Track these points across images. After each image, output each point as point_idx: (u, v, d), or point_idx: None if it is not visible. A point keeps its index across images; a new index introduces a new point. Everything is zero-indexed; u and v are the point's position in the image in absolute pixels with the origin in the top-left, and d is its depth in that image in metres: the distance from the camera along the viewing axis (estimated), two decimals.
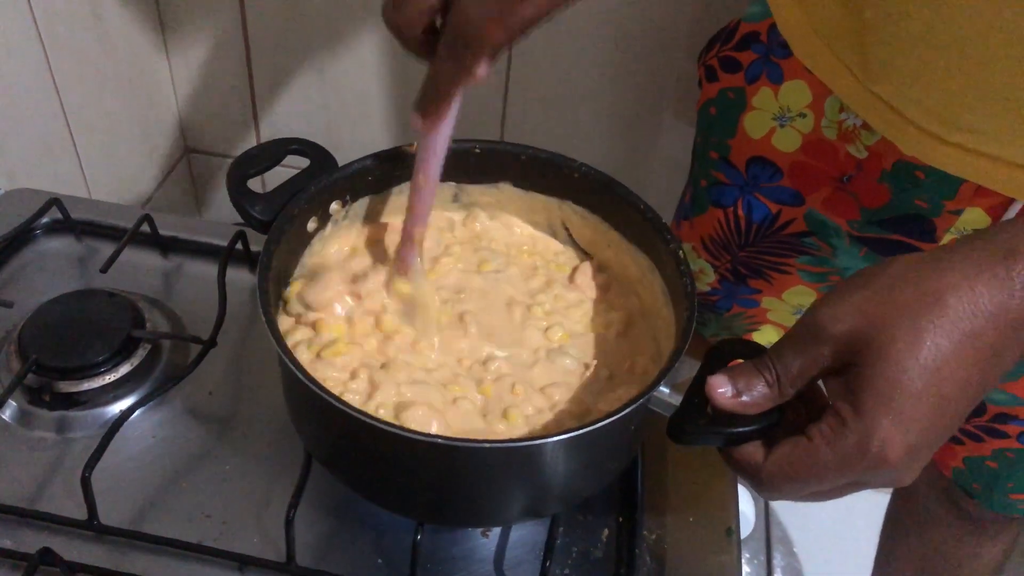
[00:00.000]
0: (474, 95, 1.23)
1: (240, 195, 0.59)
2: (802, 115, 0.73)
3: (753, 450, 0.48)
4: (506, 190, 0.68)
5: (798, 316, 0.93)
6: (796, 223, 0.80)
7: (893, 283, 0.45)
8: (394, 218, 0.67)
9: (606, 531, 0.61)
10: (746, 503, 1.32)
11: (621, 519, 0.62)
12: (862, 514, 1.20)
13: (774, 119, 0.75)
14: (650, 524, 0.62)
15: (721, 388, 0.48)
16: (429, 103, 0.54)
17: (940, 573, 1.04)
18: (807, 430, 0.46)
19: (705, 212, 0.86)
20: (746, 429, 0.49)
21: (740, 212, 0.82)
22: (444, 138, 0.57)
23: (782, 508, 1.49)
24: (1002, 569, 1.01)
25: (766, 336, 0.97)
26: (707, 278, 0.91)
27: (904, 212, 0.71)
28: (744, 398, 0.48)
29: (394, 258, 0.63)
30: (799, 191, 0.77)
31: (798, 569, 1.43)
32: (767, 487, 0.47)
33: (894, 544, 1.12)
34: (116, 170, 1.20)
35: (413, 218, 0.61)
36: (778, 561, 1.43)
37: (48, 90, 1.02)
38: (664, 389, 0.51)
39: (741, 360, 0.52)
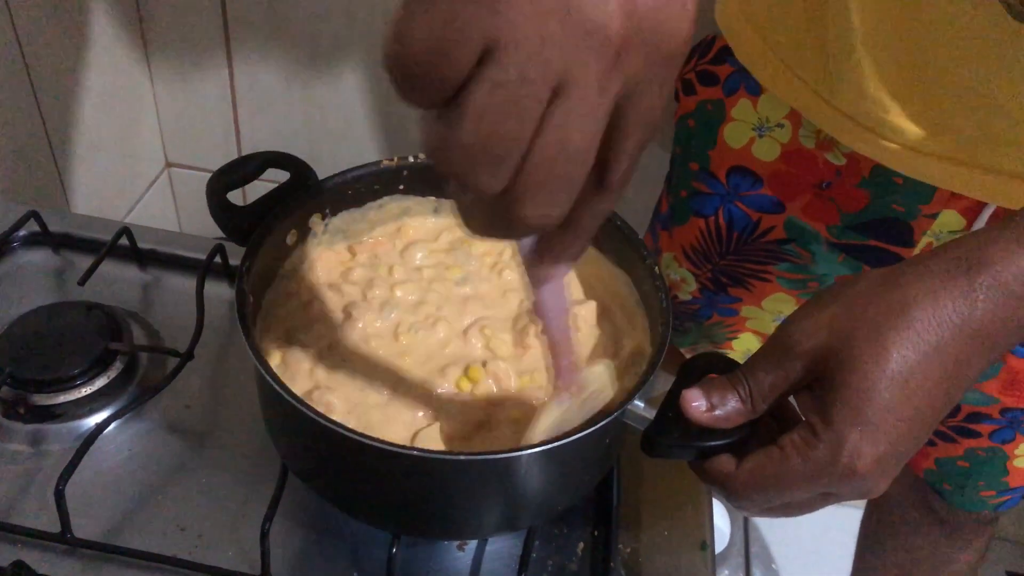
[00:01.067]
0: None
1: (220, 207, 0.59)
2: (780, 125, 0.75)
3: (725, 460, 0.49)
4: None
5: (778, 323, 0.95)
6: (776, 230, 0.81)
7: (860, 297, 0.46)
8: (375, 234, 0.67)
9: (581, 544, 0.62)
10: (721, 518, 1.33)
11: (596, 532, 0.62)
12: (840, 528, 1.21)
13: (753, 129, 0.77)
14: (625, 538, 0.62)
15: (695, 402, 0.49)
16: (565, 240, 0.39)
17: None
18: (779, 441, 0.47)
19: (686, 222, 0.87)
20: (718, 443, 0.49)
21: (721, 221, 0.83)
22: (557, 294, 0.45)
23: (762, 524, 1.49)
24: (975, 575, 1.02)
25: (745, 344, 0.98)
26: (689, 287, 0.92)
27: (882, 216, 0.72)
28: (717, 412, 0.49)
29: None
30: (779, 198, 0.79)
31: None
32: (738, 496, 0.48)
33: (870, 554, 1.13)
34: (96, 183, 1.20)
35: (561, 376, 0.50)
36: None
37: (28, 102, 1.02)
38: (638, 403, 0.52)
39: (714, 374, 0.53)
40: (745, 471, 0.47)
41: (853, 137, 0.68)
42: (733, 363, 0.53)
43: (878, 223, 0.73)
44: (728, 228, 0.83)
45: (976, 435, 0.81)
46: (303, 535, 0.61)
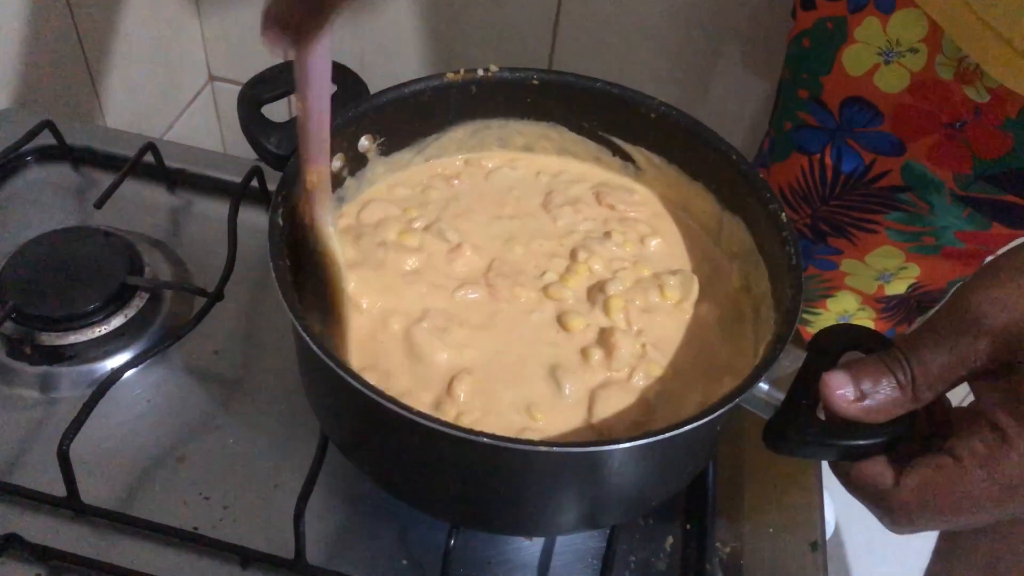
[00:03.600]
0: (520, 24, 1.13)
1: (253, 123, 0.49)
2: (913, 50, 0.64)
3: (880, 470, 0.39)
4: (562, 130, 0.57)
5: (881, 282, 0.83)
6: (891, 176, 0.71)
7: None
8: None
9: (670, 539, 0.52)
10: (827, 508, 1.23)
11: (689, 526, 0.53)
12: None
13: (879, 54, 0.66)
14: (723, 534, 0.52)
15: (840, 389, 0.39)
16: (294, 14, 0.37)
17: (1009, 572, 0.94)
18: (951, 447, 0.37)
19: (787, 158, 0.77)
20: (868, 442, 0.39)
21: (828, 160, 0.74)
22: (322, 58, 0.42)
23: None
24: None
25: (842, 304, 0.87)
26: None
27: None
28: (868, 402, 0.39)
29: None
30: (901, 139, 0.68)
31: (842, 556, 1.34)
32: (900, 518, 0.38)
33: (958, 538, 1.03)
34: (133, 96, 1.11)
35: (304, 156, 0.45)
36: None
37: (60, 8, 0.92)
38: (762, 385, 0.42)
39: (857, 352, 0.42)
40: (909, 488, 0.37)
41: (1002, 65, 0.57)
42: (880, 337, 0.43)
43: (1019, 174, 0.62)
44: (835, 169, 0.73)
45: None
46: (343, 513, 0.52)
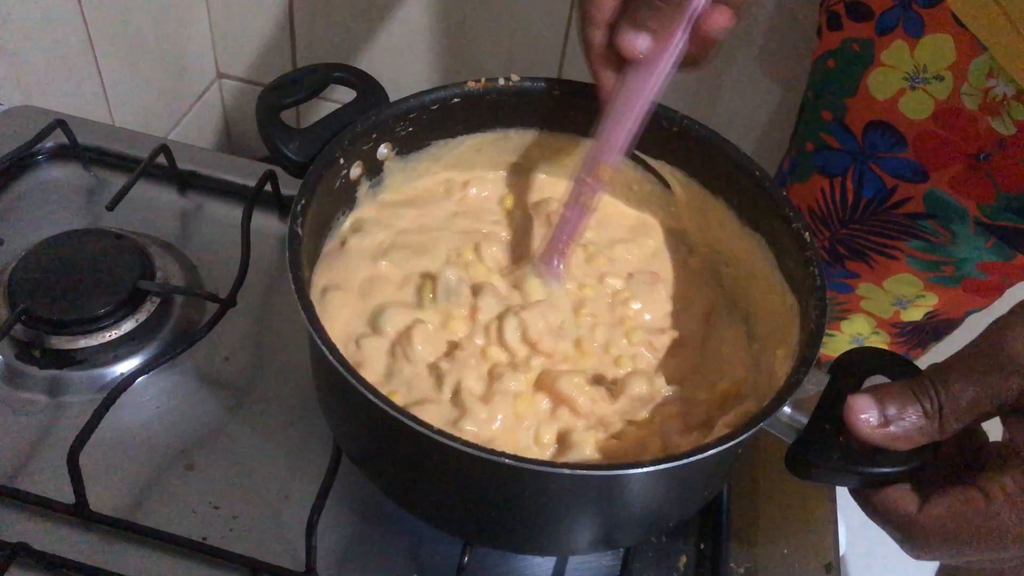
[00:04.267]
0: (531, 29, 1.12)
1: (272, 128, 0.48)
2: (939, 77, 0.62)
3: (902, 496, 0.38)
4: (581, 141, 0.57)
5: (897, 308, 0.82)
6: (913, 202, 0.69)
7: None
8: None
9: (684, 558, 0.52)
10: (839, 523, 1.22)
11: (702, 546, 0.52)
12: None
13: (905, 79, 0.65)
14: (737, 555, 0.52)
15: (864, 414, 0.38)
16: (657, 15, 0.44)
17: None
18: (981, 482, 0.36)
19: (808, 180, 0.76)
20: (891, 469, 0.39)
21: (849, 184, 0.72)
22: (666, 65, 0.47)
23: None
24: None
25: (856, 327, 0.86)
26: None
27: None
28: (893, 428, 0.38)
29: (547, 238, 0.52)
30: (923, 166, 0.67)
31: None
32: (920, 546, 0.38)
33: None
34: (141, 93, 1.10)
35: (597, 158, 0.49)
36: None
37: (70, 4, 0.91)
38: (786, 409, 0.41)
39: (881, 376, 0.42)
40: (933, 517, 0.37)
41: None
42: (906, 363, 0.42)
43: None
44: (856, 193, 0.72)
45: None
46: (355, 525, 0.51)
